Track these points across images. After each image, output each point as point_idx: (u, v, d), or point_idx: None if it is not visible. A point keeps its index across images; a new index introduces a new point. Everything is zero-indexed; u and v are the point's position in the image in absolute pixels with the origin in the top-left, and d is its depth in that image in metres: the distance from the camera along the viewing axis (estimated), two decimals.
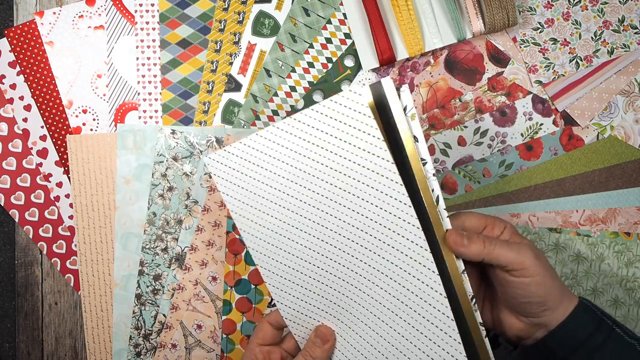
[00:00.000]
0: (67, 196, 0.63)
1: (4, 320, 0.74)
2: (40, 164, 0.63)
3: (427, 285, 0.45)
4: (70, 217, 0.63)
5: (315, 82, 0.62)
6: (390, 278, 0.46)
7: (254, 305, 0.62)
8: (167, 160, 0.61)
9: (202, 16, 0.62)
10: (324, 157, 0.46)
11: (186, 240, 0.61)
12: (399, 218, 0.44)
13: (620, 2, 0.61)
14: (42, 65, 0.62)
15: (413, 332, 0.46)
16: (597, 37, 0.61)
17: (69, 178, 0.62)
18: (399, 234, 0.45)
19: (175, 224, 0.61)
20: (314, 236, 0.47)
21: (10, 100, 0.62)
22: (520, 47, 0.61)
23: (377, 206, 0.45)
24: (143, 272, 0.61)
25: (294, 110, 0.62)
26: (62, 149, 0.62)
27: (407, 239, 0.44)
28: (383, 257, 0.45)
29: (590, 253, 0.61)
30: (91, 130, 0.62)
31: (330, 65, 0.62)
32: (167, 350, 0.62)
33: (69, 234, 0.63)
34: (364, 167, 0.45)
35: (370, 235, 0.46)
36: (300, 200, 0.47)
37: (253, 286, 0.62)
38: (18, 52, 0.62)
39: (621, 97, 0.61)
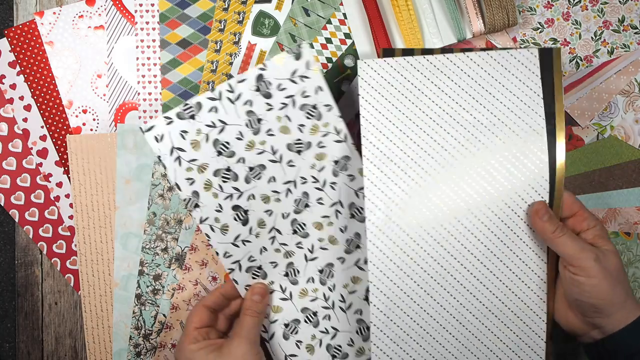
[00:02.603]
0: (67, 196, 0.63)
1: (4, 320, 0.74)
2: (40, 164, 0.63)
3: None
4: (70, 217, 0.63)
5: None
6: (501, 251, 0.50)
7: None
8: None
9: (202, 16, 0.62)
10: (477, 99, 0.51)
11: (186, 240, 0.61)
12: (538, 173, 0.50)
13: (620, 2, 0.61)
14: (42, 65, 0.62)
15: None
16: (597, 37, 0.61)
17: (69, 178, 0.62)
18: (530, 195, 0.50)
19: (175, 224, 0.61)
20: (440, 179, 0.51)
21: (10, 100, 0.62)
22: (521, 47, 0.61)
23: (519, 156, 0.50)
24: (143, 272, 0.62)
25: None
26: (62, 149, 0.62)
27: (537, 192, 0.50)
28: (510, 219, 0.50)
29: None
30: (91, 130, 0.62)
31: (330, 65, 0.62)
32: (167, 350, 0.62)
33: (69, 234, 0.63)
34: (519, 117, 0.50)
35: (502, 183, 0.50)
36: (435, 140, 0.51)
37: None
38: (18, 52, 0.62)
39: (621, 97, 0.61)
